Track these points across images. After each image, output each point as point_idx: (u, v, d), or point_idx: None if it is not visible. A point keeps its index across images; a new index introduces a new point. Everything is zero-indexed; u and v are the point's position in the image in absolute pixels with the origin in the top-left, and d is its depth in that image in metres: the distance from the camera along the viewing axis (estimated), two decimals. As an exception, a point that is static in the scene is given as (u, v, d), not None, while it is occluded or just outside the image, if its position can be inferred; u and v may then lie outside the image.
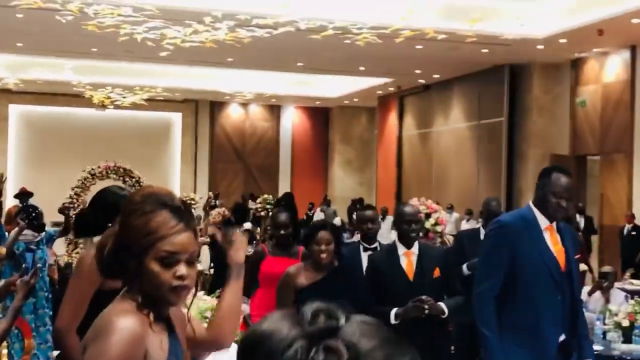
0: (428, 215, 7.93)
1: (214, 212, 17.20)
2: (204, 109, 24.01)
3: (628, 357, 5.45)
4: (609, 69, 13.99)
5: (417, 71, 17.21)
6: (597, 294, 6.61)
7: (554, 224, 3.87)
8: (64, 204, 11.23)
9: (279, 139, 25.13)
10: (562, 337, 3.81)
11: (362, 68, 16.93)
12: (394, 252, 4.65)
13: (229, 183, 24.09)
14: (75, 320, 2.99)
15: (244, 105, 24.24)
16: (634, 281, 9.03)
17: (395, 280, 4.50)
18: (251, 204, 19.09)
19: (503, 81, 15.79)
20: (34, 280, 3.37)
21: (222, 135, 24.34)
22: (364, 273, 4.79)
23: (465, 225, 15.80)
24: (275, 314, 1.06)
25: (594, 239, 14.50)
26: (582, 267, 9.62)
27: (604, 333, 5.68)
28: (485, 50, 14.14)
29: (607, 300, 6.36)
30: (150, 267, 1.95)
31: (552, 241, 3.85)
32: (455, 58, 15.02)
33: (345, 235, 16.83)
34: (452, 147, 18.09)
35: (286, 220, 5.07)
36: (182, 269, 1.96)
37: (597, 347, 5.43)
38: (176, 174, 23.71)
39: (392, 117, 21.54)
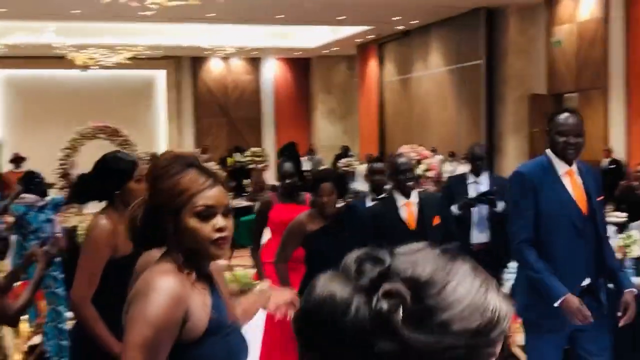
0: (419, 162, 8.19)
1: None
2: (186, 65, 24.14)
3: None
4: (583, 8, 14.31)
5: (396, 18, 17.45)
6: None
7: (574, 167, 3.81)
8: (61, 166, 11.47)
9: (261, 91, 25.32)
10: (586, 282, 3.79)
11: (341, 17, 17.15)
12: (392, 203, 4.69)
13: (214, 138, 24.33)
14: (90, 290, 3.05)
15: (225, 59, 24.35)
16: (618, 213, 9.44)
17: (396, 232, 4.49)
18: (238, 157, 19.40)
19: (480, 24, 16.09)
20: (54, 250, 3.45)
21: (205, 91, 24.51)
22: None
23: (448, 167, 16.24)
24: (321, 278, 0.97)
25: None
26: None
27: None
28: (463, -6, 14.44)
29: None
30: (189, 224, 1.98)
31: (573, 186, 3.78)
32: (433, 2, 15.29)
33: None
34: (433, 92, 18.45)
35: (291, 169, 5.16)
36: (220, 221, 2.00)
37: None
38: (162, 131, 23.93)
39: (373, 65, 21.82)
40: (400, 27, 18.92)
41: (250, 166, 16.37)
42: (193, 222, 1.97)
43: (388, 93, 21.04)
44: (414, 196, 4.68)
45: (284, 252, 4.60)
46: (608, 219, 9.11)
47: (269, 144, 24.24)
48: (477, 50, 16.22)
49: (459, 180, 6.27)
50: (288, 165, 5.19)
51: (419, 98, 19.17)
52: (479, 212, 5.89)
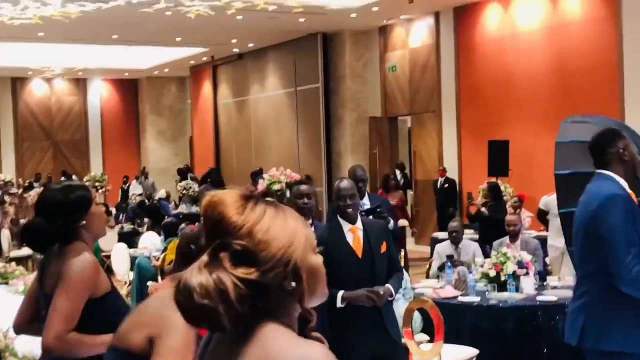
0: (289, 185, 8.23)
1: (32, 193, 16.67)
2: (5, 86, 22.80)
3: (503, 305, 5.83)
4: (414, 35, 15.06)
5: (234, 40, 17.48)
6: (447, 243, 7.32)
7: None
8: None
9: (87, 113, 24.44)
10: None
11: (178, 39, 16.94)
12: (338, 228, 4.51)
13: (37, 162, 23.15)
14: (67, 333, 2.79)
15: (48, 80, 23.29)
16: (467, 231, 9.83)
17: (342, 258, 4.34)
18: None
19: (317, 49, 16.48)
20: None
21: (26, 113, 23.25)
22: None
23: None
24: None
25: (410, 193, 15.71)
26: (402, 222, 10.40)
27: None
28: (302, 20, 14.70)
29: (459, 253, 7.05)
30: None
31: None
32: (272, 27, 15.47)
33: (171, 206, 16.93)
34: (271, 114, 18.62)
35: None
36: None
37: (473, 298, 5.95)
38: (-21, 156, 22.44)
39: (207, 87, 21.69)
40: (236, 50, 18.96)
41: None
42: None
43: (223, 115, 20.98)
44: (359, 222, 4.53)
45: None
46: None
47: (96, 168, 23.42)
48: (315, 74, 16.57)
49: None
50: None
51: (257, 120, 19.27)
52: None
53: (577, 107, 11.84)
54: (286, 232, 1.40)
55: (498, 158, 12.57)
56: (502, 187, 11.18)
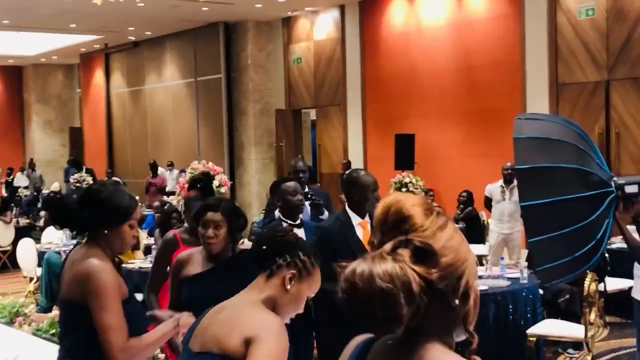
0: (212, 177, 8.04)
1: None
2: None
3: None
4: (319, 27, 15.02)
5: (131, 28, 16.93)
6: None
7: None
8: None
9: (-33, 101, 23.17)
10: None
11: (73, 25, 16.24)
12: (348, 222, 4.34)
13: None
14: (127, 341, 2.71)
15: None
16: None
17: (353, 254, 4.06)
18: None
19: (218, 38, 16.17)
20: None
21: None
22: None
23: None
24: None
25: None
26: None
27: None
28: (206, 9, 14.39)
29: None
30: None
31: None
32: (173, 15, 15.07)
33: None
34: (169, 105, 18.16)
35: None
36: None
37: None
38: None
39: (98, 75, 20.92)
40: (132, 38, 18.37)
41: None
42: None
43: (116, 105, 20.30)
44: (367, 216, 4.36)
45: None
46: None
47: (-24, 159, 22.21)
48: (216, 64, 16.26)
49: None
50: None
51: (153, 111, 18.76)
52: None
53: (482, 102, 12.18)
54: (463, 247, 1.40)
55: (404, 151, 12.73)
56: (413, 180, 11.33)
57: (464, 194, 10.68)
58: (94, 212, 2.79)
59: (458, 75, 12.55)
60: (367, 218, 4.38)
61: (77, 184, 16.81)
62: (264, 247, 2.34)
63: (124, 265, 4.44)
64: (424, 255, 1.32)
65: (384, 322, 1.29)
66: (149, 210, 12.74)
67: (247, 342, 2.08)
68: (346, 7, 14.33)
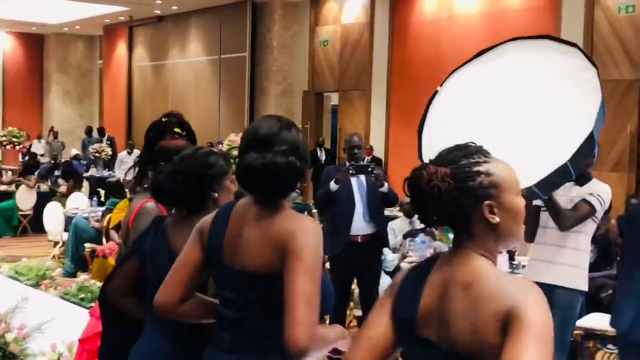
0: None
1: None
2: None
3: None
4: (347, 11, 14.89)
5: (158, 2, 16.82)
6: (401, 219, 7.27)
7: None
8: None
9: (-13, 66, 23.14)
10: None
11: (99, -6, 16.19)
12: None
13: None
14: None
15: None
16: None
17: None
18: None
19: (245, 17, 16.06)
20: None
21: None
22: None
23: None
24: None
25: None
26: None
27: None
28: (235, -14, 14.29)
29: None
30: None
31: None
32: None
33: (76, 163, 15.93)
34: (191, 80, 18.07)
35: None
36: None
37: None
38: None
39: (121, 47, 20.84)
40: (157, 12, 18.28)
41: (7, 146, 14.90)
42: None
43: (138, 78, 20.23)
44: None
45: None
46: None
47: (-6, 125, 22.21)
48: (241, 43, 16.16)
49: (337, 168, 6.32)
50: None
51: (175, 86, 18.67)
52: (362, 201, 5.85)
53: (510, 94, 12.04)
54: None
55: (428, 140, 12.61)
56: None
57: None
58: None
59: (487, 67, 12.40)
60: None
61: (97, 154, 16.76)
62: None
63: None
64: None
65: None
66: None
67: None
68: (376, -9, 14.19)
